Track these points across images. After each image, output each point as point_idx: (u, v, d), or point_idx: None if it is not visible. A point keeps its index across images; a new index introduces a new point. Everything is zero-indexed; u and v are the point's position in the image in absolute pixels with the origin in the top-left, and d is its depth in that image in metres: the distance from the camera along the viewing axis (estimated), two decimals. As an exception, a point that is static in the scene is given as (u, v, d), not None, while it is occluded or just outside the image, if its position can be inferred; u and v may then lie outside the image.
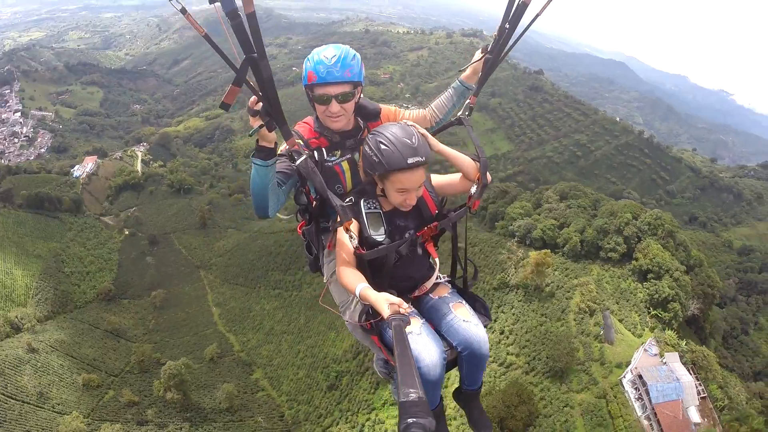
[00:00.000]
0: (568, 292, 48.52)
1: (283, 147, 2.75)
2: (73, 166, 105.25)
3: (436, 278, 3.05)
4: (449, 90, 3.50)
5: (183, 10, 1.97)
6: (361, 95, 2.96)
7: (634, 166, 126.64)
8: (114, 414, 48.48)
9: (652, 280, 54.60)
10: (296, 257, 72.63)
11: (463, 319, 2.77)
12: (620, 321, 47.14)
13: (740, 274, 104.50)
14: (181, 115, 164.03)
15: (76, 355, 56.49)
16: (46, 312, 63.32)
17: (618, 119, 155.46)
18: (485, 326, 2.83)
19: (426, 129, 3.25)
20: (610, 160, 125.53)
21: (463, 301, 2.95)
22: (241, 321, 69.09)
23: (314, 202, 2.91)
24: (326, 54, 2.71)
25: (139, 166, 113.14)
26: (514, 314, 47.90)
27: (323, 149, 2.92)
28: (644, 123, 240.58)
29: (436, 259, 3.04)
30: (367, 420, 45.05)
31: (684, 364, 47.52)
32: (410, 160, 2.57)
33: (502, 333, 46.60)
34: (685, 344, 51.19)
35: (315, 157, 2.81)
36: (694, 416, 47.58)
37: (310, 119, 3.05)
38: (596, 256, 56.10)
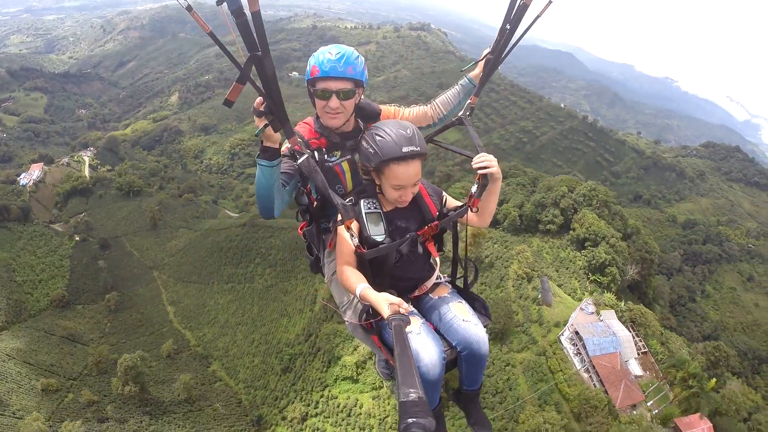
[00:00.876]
0: (507, 261, 51.08)
1: (284, 147, 2.79)
2: (19, 175, 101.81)
3: (436, 278, 3.07)
4: (456, 87, 3.45)
5: (189, 8, 2.00)
6: (362, 97, 2.98)
7: (579, 150, 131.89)
8: (74, 414, 47.97)
9: (589, 248, 57.92)
10: (247, 251, 73.35)
11: (463, 319, 2.77)
12: (559, 287, 49.89)
13: (685, 246, 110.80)
14: (128, 118, 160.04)
15: (33, 361, 55.54)
16: (0, 323, 61.82)
17: (563, 105, 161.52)
18: (485, 326, 2.84)
19: (428, 126, 3.43)
20: (556, 144, 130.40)
21: (463, 301, 2.97)
22: (196, 317, 69.12)
23: (315, 203, 2.95)
24: (331, 50, 2.75)
25: (86, 172, 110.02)
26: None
27: (323, 150, 2.92)
28: (591, 110, 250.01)
29: (437, 259, 3.05)
30: (321, 397, 46.35)
31: (623, 322, 50.84)
32: (405, 149, 2.57)
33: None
34: (624, 304, 54.66)
35: (315, 158, 2.79)
36: (636, 369, 50.98)
37: (310, 120, 3.04)
38: (535, 229, 58.98)
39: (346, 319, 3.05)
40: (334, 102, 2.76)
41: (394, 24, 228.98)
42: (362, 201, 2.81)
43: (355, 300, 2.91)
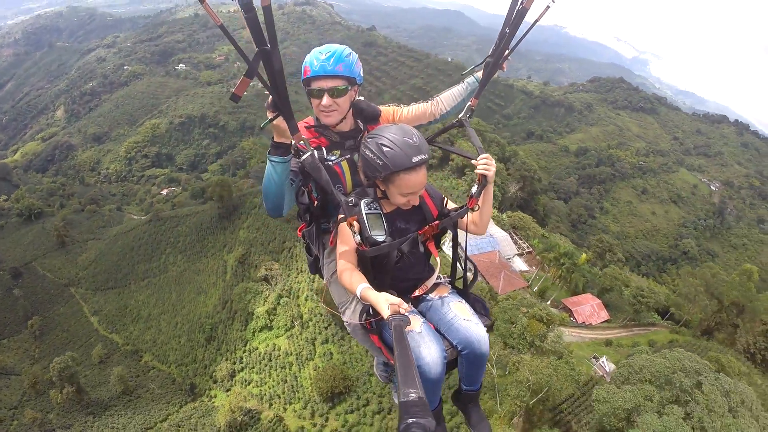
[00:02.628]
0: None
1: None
2: None
3: (437, 278, 3.04)
4: (462, 84, 3.44)
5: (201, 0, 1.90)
6: (358, 96, 2.99)
7: None
8: (22, 434, 49.04)
9: (468, 173, 63.62)
10: (156, 244, 74.76)
11: (464, 318, 2.76)
12: (446, 213, 55.44)
13: (579, 171, 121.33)
14: (15, 144, 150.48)
15: (-31, 402, 55.10)
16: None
17: (449, 59, 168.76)
18: (485, 326, 2.83)
19: (428, 123, 3.46)
20: None
21: (464, 301, 2.95)
22: (120, 319, 69.87)
23: (316, 202, 2.95)
24: (322, 50, 2.76)
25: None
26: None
27: (323, 149, 2.90)
28: None
29: (437, 259, 3.02)
30: (244, 352, 49.95)
31: (502, 227, 56.98)
32: (415, 159, 2.56)
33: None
34: (504, 215, 61.10)
35: (316, 156, 2.69)
36: (522, 265, 57.88)
37: (310, 119, 3.03)
38: (418, 167, 64.27)
39: (345, 319, 3.01)
40: (326, 100, 2.75)
41: (278, 2, 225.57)
42: (363, 202, 2.78)
43: (355, 300, 2.91)
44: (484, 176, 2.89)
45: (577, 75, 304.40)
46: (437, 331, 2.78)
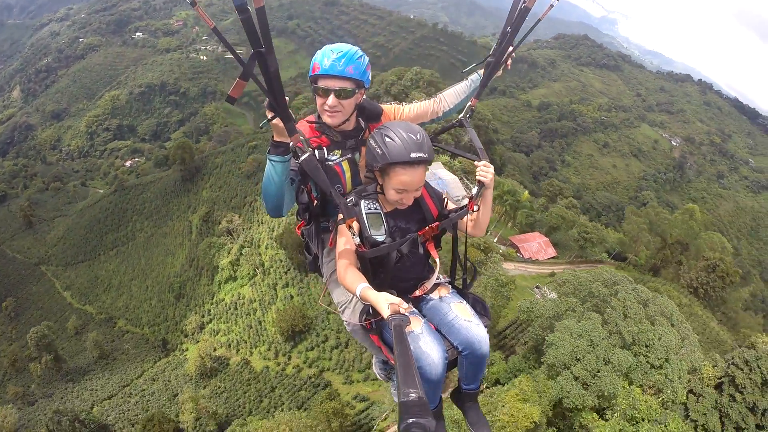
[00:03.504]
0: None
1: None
2: None
3: (437, 278, 3.00)
4: (465, 81, 3.39)
5: (193, 3, 1.81)
6: (364, 97, 2.93)
7: (433, 55, 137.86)
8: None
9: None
10: (123, 213, 74.55)
11: (465, 319, 2.75)
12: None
13: (541, 125, 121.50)
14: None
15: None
16: None
17: (412, 16, 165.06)
18: (485, 327, 2.81)
19: (431, 120, 3.39)
20: (409, 53, 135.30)
21: (464, 301, 2.92)
22: (92, 290, 70.28)
23: (315, 201, 2.91)
24: (333, 48, 2.68)
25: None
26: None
27: (324, 148, 2.84)
28: (450, 21, 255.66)
29: (437, 260, 2.97)
30: (212, 304, 50.84)
31: (451, 170, 57.23)
32: (413, 155, 2.55)
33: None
34: (458, 161, 61.02)
35: (316, 156, 2.69)
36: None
37: (312, 117, 2.97)
38: (375, 119, 64.48)
39: (344, 319, 2.98)
40: (332, 100, 2.68)
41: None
42: (363, 201, 2.75)
43: (354, 300, 2.89)
44: (482, 183, 2.88)
45: (544, 33, 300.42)
46: (438, 331, 2.75)
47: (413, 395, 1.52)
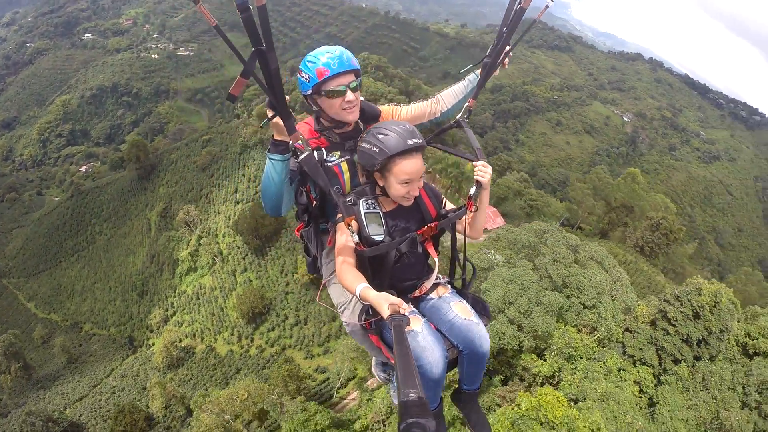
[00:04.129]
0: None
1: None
2: None
3: (436, 278, 3.01)
4: (463, 81, 3.40)
5: (195, 0, 1.80)
6: (361, 98, 2.96)
7: (385, 43, 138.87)
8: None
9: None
10: (81, 217, 73.60)
11: (465, 318, 2.75)
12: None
13: (495, 107, 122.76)
14: None
15: None
16: None
17: (364, 5, 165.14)
18: (485, 326, 2.82)
19: (429, 121, 3.40)
20: (362, 42, 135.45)
21: (464, 301, 2.92)
22: (56, 298, 69.43)
23: (314, 202, 2.91)
24: (328, 50, 2.70)
25: None
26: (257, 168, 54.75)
27: (323, 149, 2.82)
28: (404, 9, 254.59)
29: (436, 259, 2.98)
30: (174, 297, 51.09)
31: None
32: (410, 142, 2.57)
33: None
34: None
35: (315, 157, 2.66)
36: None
37: (310, 120, 2.97)
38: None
39: (344, 319, 2.98)
40: (350, 95, 2.69)
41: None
42: (361, 201, 2.75)
43: (354, 300, 2.88)
44: (479, 183, 2.90)
45: (497, 17, 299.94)
46: (438, 330, 2.75)
47: (413, 395, 1.51)
